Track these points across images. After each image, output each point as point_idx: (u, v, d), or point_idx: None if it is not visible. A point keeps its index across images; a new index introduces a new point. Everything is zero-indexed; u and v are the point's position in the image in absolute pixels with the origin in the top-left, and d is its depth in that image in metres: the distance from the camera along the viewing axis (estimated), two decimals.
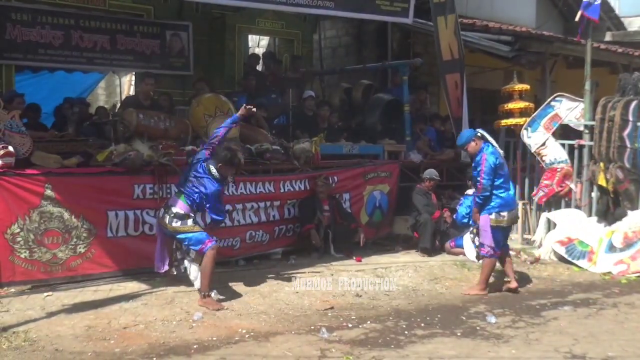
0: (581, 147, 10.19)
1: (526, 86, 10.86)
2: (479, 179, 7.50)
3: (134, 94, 12.57)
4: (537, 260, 9.41)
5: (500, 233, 7.72)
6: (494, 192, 7.58)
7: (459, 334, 6.15)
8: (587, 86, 10.21)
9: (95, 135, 8.88)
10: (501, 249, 7.78)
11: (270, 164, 8.91)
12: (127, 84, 15.47)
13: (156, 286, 7.26)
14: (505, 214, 7.66)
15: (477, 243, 7.87)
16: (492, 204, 7.58)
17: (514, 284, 7.79)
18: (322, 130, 10.01)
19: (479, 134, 7.75)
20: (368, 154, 10.27)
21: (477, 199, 7.62)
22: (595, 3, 10.04)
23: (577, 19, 10.24)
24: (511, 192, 7.83)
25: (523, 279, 8.48)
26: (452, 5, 10.22)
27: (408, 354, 5.57)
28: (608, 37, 16.23)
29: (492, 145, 7.74)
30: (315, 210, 8.99)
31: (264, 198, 8.72)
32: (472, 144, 7.67)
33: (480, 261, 7.91)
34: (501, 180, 7.63)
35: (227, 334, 5.98)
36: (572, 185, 10.21)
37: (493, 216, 7.59)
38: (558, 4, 16.04)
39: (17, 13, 9.91)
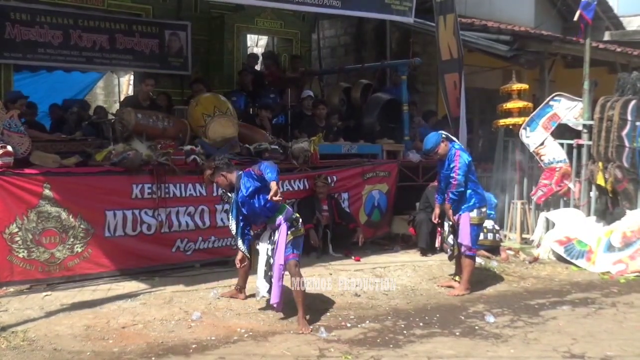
0: (580, 146, 10.20)
1: (525, 86, 10.88)
2: (453, 175, 7.48)
3: (133, 94, 12.56)
4: (535, 259, 9.41)
5: (477, 230, 7.73)
6: (472, 188, 7.59)
7: (457, 333, 6.15)
8: (586, 85, 10.22)
9: (94, 134, 8.88)
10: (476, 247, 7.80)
11: None
12: (126, 83, 15.48)
13: (155, 286, 7.27)
14: (484, 209, 7.71)
15: (451, 242, 7.84)
16: (473, 200, 7.58)
17: (455, 286, 7.80)
18: (321, 130, 10.01)
19: (444, 135, 7.73)
20: (367, 153, 10.27)
21: (451, 196, 7.55)
22: (593, 3, 10.06)
23: (575, 18, 10.25)
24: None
25: (522, 278, 8.49)
26: (452, 5, 10.23)
27: (407, 353, 5.57)
28: (607, 36, 16.26)
29: (459, 144, 7.81)
30: (314, 210, 8.99)
31: None
32: (442, 145, 7.60)
33: (452, 261, 8.00)
34: (474, 176, 7.71)
35: (226, 333, 5.98)
36: (571, 185, 10.22)
37: (474, 213, 7.58)
38: (557, 3, 16.04)
39: (16, 12, 9.90)
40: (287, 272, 6.35)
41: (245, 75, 11.34)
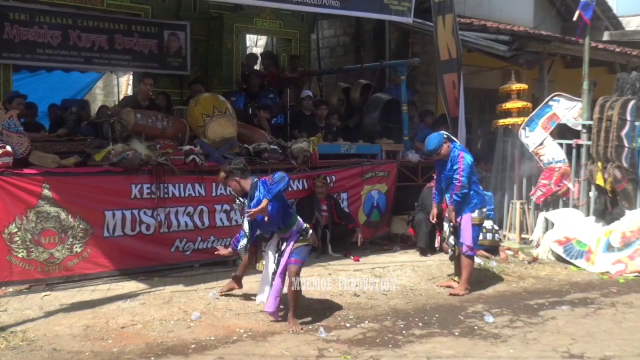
0: (579, 146, 10.20)
1: (524, 86, 10.88)
2: (457, 176, 7.45)
3: (132, 94, 12.55)
4: (535, 259, 9.41)
5: (477, 230, 7.74)
6: (474, 189, 7.60)
7: (456, 333, 6.15)
8: (585, 85, 10.22)
9: (93, 135, 8.88)
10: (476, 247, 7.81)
11: (268, 164, 8.90)
12: (125, 83, 15.49)
13: (154, 286, 7.27)
14: (485, 209, 7.74)
15: (452, 242, 7.81)
16: (474, 201, 7.59)
17: (454, 286, 7.80)
18: (320, 130, 10.01)
19: (446, 136, 7.69)
20: (366, 153, 10.27)
21: (455, 197, 7.51)
22: (592, 4, 10.06)
23: (575, 18, 10.26)
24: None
25: (521, 278, 8.49)
26: (451, 5, 10.23)
27: (406, 353, 5.57)
28: (606, 36, 16.24)
29: (460, 145, 7.80)
30: (313, 210, 8.99)
31: None
32: (445, 146, 7.56)
33: (452, 261, 7.98)
34: (476, 177, 7.72)
35: (225, 333, 5.98)
36: (570, 185, 10.22)
37: (476, 214, 7.59)
38: (556, 3, 16.05)
39: (15, 12, 9.88)
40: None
41: (253, 79, 11.40)
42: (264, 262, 6.63)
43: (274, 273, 6.38)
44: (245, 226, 6.52)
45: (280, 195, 6.21)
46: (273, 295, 6.32)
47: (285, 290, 6.37)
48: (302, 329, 6.16)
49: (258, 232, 6.61)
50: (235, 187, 6.46)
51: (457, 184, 7.47)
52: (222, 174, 6.53)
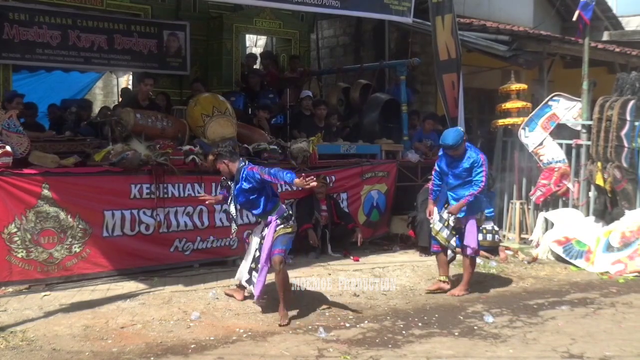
0: (579, 146, 10.20)
1: (523, 86, 10.88)
2: (481, 179, 7.34)
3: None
4: (534, 259, 9.41)
5: (477, 232, 7.73)
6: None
7: (456, 333, 6.15)
8: (585, 86, 10.22)
9: (93, 135, 8.88)
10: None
11: (267, 164, 8.86)
12: (125, 83, 15.48)
13: (154, 286, 7.27)
14: (485, 212, 7.79)
15: (453, 245, 7.72)
16: (479, 204, 7.59)
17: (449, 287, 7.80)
18: (320, 130, 10.01)
19: (464, 133, 7.63)
20: (365, 153, 10.27)
21: (471, 199, 7.38)
22: (592, 4, 10.07)
23: (574, 18, 10.26)
24: None
25: (520, 278, 8.49)
26: (450, 5, 10.22)
27: (405, 353, 5.57)
28: (605, 36, 16.25)
29: (473, 145, 7.76)
30: (312, 210, 8.99)
31: None
32: (463, 144, 7.46)
33: (453, 262, 7.97)
34: None
35: (225, 333, 5.98)
36: (570, 185, 10.22)
37: (479, 216, 7.62)
38: (556, 3, 16.06)
39: (14, 12, 9.89)
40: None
41: (253, 77, 11.41)
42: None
43: (258, 258, 6.55)
44: (232, 210, 6.75)
45: (263, 182, 6.46)
46: (258, 282, 6.48)
47: (262, 278, 6.52)
48: (289, 323, 6.27)
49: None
50: (224, 170, 6.65)
51: (481, 185, 7.35)
52: (211, 157, 6.78)
